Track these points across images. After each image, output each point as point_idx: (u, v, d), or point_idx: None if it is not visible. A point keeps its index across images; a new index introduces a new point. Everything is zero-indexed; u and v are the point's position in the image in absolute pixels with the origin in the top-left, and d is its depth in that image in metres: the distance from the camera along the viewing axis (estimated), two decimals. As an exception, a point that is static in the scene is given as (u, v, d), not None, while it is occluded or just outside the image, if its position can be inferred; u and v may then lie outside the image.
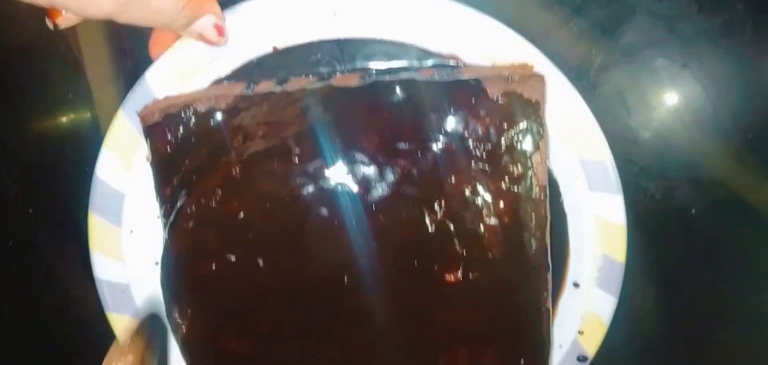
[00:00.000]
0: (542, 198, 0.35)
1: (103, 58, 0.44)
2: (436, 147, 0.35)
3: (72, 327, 0.47)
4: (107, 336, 0.42)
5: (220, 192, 0.35)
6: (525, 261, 0.36)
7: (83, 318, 0.44)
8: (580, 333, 0.42)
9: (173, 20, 0.32)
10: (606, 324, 0.42)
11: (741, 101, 0.43)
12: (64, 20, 0.32)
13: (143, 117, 0.36)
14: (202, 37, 0.35)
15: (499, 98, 0.35)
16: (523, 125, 0.35)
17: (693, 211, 0.44)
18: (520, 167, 0.35)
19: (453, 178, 0.35)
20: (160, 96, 0.37)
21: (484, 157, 0.35)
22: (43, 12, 0.32)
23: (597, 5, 0.41)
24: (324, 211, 0.35)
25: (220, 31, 0.35)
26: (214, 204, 0.35)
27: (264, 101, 0.36)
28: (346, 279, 0.36)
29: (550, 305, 0.37)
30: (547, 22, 0.41)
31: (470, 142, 0.35)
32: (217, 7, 0.35)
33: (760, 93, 0.43)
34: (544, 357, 0.38)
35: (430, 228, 0.35)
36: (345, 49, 0.38)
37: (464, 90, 0.35)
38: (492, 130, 0.35)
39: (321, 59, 0.38)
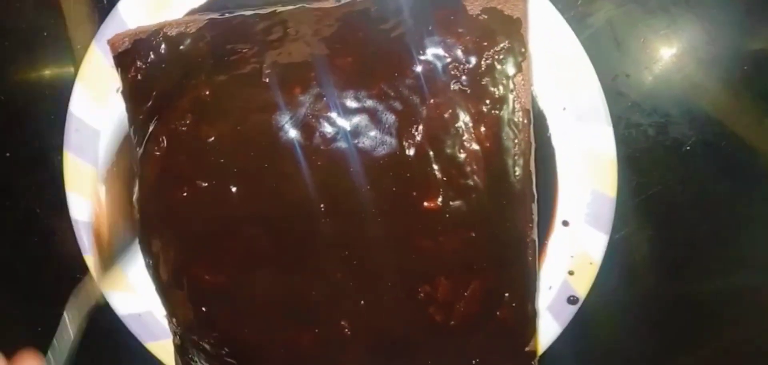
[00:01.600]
0: (526, 122, 0.34)
1: (80, 7, 0.43)
2: (415, 68, 0.34)
3: (52, 268, 0.46)
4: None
5: (190, 116, 0.34)
6: (508, 189, 0.35)
7: (63, 259, 0.43)
8: (570, 273, 0.41)
9: None
10: (597, 263, 0.41)
11: (738, 31, 0.42)
12: None
13: (113, 44, 0.35)
14: None
15: (479, 14, 0.33)
16: (504, 44, 0.33)
17: (687, 148, 0.43)
18: (501, 89, 0.34)
19: (432, 101, 0.34)
20: (134, 27, 0.36)
21: (464, 77, 0.34)
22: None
23: (585, -70, 0.39)
24: (298, 136, 0.34)
25: None
26: (184, 128, 0.34)
27: (235, 25, 0.35)
28: (322, 206, 0.35)
29: (535, 237, 0.36)
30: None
31: (449, 62, 0.34)
32: None
33: (757, 24, 0.42)
34: (530, 292, 0.37)
35: (409, 153, 0.34)
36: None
37: (443, 6, 0.33)
38: (472, 49, 0.33)
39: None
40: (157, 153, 0.35)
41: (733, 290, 0.46)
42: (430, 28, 0.33)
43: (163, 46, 0.35)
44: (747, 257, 0.45)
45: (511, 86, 0.33)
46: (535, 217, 0.36)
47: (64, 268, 0.43)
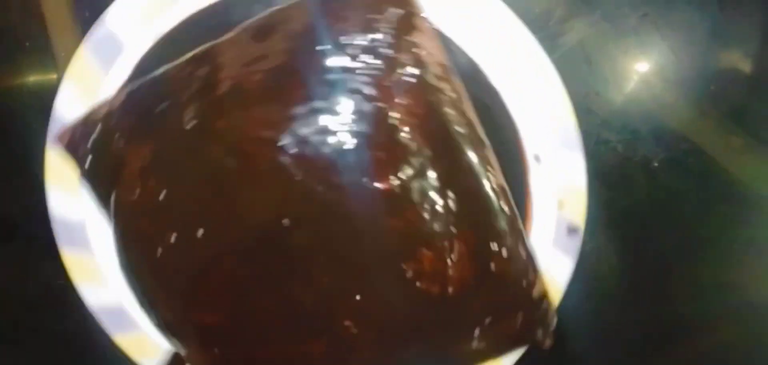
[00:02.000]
0: (445, 74, 0.35)
1: (61, 4, 0.43)
2: (332, 67, 0.35)
3: (33, 275, 0.46)
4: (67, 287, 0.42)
5: (138, 181, 0.36)
6: (453, 144, 0.35)
7: (44, 267, 0.44)
8: (560, 206, 0.41)
9: None
10: (583, 187, 0.41)
11: (703, 52, 0.43)
12: None
13: (61, 139, 0.38)
14: None
15: None
16: (395, 12, 0.34)
17: (655, 164, 0.44)
18: (408, 56, 0.34)
19: (358, 93, 0.35)
20: (122, 35, 0.37)
21: (370, 58, 0.35)
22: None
23: (557, -47, 0.40)
24: (244, 161, 0.35)
25: None
26: (136, 195, 0.36)
27: (161, 80, 0.37)
28: (285, 221, 0.36)
29: (502, 180, 0.37)
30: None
31: (356, 51, 0.35)
32: None
33: (723, 43, 0.43)
34: (516, 235, 0.37)
35: (351, 145, 0.35)
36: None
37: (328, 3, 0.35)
38: (369, 30, 0.34)
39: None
40: (123, 226, 0.36)
41: (700, 303, 0.47)
42: (329, 26, 0.35)
43: (99, 126, 0.37)
44: (713, 271, 0.46)
45: (418, 48, 0.34)
46: (495, 161, 0.36)
47: (44, 275, 0.44)
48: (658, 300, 0.47)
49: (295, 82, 0.35)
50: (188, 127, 0.35)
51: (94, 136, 0.37)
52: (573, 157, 0.40)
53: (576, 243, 0.41)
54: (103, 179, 0.38)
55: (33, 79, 0.45)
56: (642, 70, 0.43)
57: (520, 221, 0.38)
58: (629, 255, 0.46)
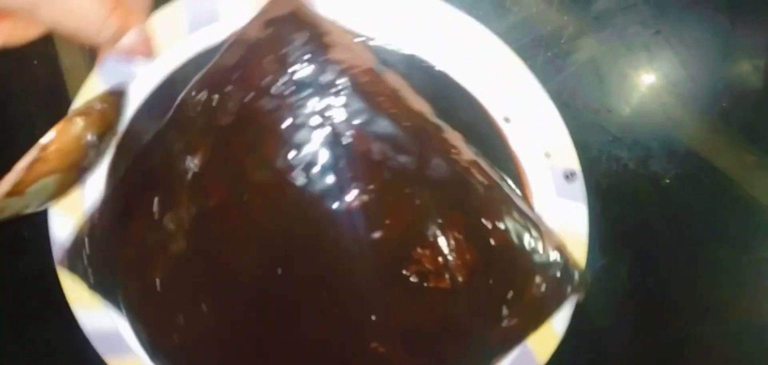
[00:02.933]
0: (376, 77, 0.35)
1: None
2: (266, 116, 0.36)
3: (37, 291, 0.46)
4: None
5: (135, 278, 0.38)
6: (404, 139, 0.35)
7: (50, 282, 0.44)
8: (548, 156, 0.40)
9: (98, 29, 0.32)
10: (565, 132, 0.39)
11: (715, 68, 0.43)
12: None
13: (61, 265, 0.40)
14: (130, 52, 0.34)
15: (265, 33, 0.35)
16: (300, 38, 0.35)
17: (667, 180, 0.44)
18: (332, 74, 0.35)
19: (300, 128, 0.36)
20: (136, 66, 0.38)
21: (299, 91, 0.36)
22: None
23: (568, -29, 0.40)
24: (217, 229, 0.37)
25: (148, 45, 0.35)
26: (137, 291, 0.38)
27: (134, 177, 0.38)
28: (279, 270, 0.36)
29: (470, 155, 0.36)
30: (519, -12, 0.41)
31: (279, 91, 0.36)
32: (143, 21, 0.34)
33: (734, 60, 0.43)
34: (509, 203, 0.37)
35: (313, 177, 0.36)
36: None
37: (229, 55, 0.36)
38: (285, 63, 0.35)
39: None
40: (133, 321, 0.39)
41: (713, 320, 0.47)
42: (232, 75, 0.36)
43: (87, 241, 0.39)
44: (724, 288, 0.46)
45: (338, 63, 0.35)
46: (458, 141, 0.36)
47: (49, 292, 0.44)
48: (669, 316, 0.46)
49: (242, 140, 0.36)
50: (162, 212, 0.37)
51: (86, 252, 0.39)
52: (544, 107, 0.39)
53: (579, 186, 0.40)
54: (106, 286, 0.39)
55: (39, 94, 0.45)
56: (654, 86, 0.43)
57: (505, 187, 0.38)
58: (641, 272, 0.46)
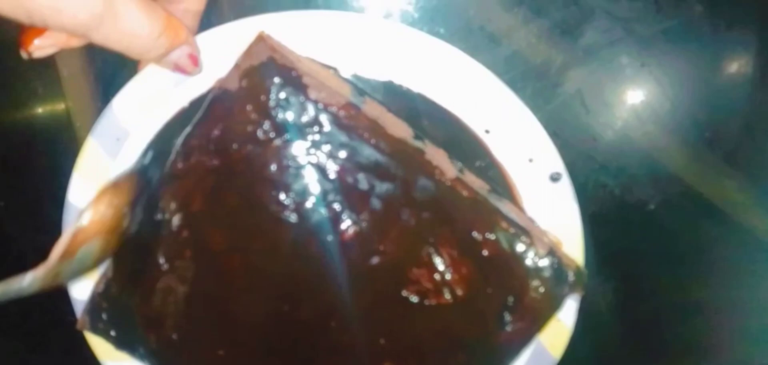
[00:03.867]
0: (353, 110, 0.37)
1: (73, 53, 0.44)
2: (251, 166, 0.39)
3: (43, 318, 0.47)
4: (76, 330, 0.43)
5: (152, 332, 0.40)
6: (386, 166, 0.37)
7: (55, 310, 0.45)
8: (532, 161, 0.40)
9: (149, 48, 0.32)
10: (544, 136, 0.40)
11: (698, 100, 0.44)
12: (38, 48, 0.32)
13: (82, 328, 0.41)
14: (177, 67, 0.36)
15: (241, 85, 0.37)
16: (276, 84, 0.36)
17: (651, 206, 0.45)
18: (312, 114, 0.37)
19: (287, 170, 0.38)
20: (127, 123, 0.39)
21: (281, 134, 0.38)
22: (16, 28, 0.32)
23: (556, 7, 0.42)
24: (221, 280, 0.40)
25: (195, 61, 0.36)
26: (157, 345, 0.40)
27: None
28: (285, 308, 0.39)
29: (453, 173, 0.38)
30: (507, 22, 0.42)
31: (266, 136, 0.38)
32: (192, 37, 0.36)
33: (717, 92, 0.44)
34: (490, 214, 0.38)
35: (306, 214, 0.38)
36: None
37: (211, 109, 0.38)
38: (260, 114, 0.37)
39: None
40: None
41: (698, 340, 0.48)
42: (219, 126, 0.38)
43: (104, 302, 0.40)
44: (708, 313, 0.47)
45: (315, 101, 0.37)
46: (438, 159, 0.38)
47: (56, 313, 0.45)
48: (654, 340, 0.48)
49: (233, 189, 0.38)
50: (169, 266, 0.39)
51: (104, 312, 0.41)
52: (522, 116, 0.39)
53: (566, 186, 0.40)
54: (128, 341, 0.41)
55: (45, 124, 0.46)
56: (639, 116, 0.44)
57: (492, 198, 0.39)
58: (626, 296, 0.47)
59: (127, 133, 0.40)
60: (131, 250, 0.39)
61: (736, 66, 0.44)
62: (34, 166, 0.46)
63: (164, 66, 0.36)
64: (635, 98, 0.44)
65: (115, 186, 0.37)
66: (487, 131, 0.40)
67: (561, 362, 0.43)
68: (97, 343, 0.43)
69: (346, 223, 0.38)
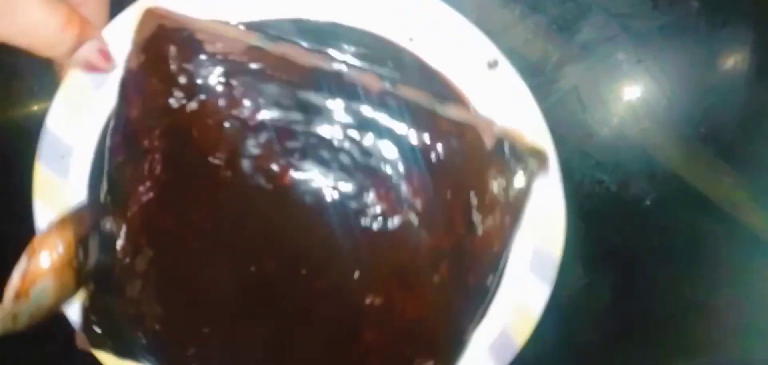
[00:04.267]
0: (258, 43, 0.37)
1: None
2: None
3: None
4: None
5: (151, 334, 0.39)
6: (304, 98, 0.37)
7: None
8: (463, 55, 0.39)
9: (53, 44, 0.31)
10: (468, 24, 0.38)
11: (694, 96, 0.44)
12: None
13: (82, 346, 0.40)
14: (89, 65, 0.34)
15: (140, 62, 0.37)
16: (173, 48, 0.36)
17: (647, 203, 0.45)
18: (210, 66, 0.36)
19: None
20: (67, 138, 0.39)
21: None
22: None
23: (553, 3, 0.42)
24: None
25: (106, 55, 0.34)
26: (161, 346, 0.39)
27: None
28: (252, 268, 0.38)
29: (379, 86, 0.37)
30: (504, 19, 0.42)
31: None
32: (99, 32, 0.34)
33: (713, 88, 0.44)
34: (424, 113, 0.37)
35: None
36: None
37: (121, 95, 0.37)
38: (166, 83, 0.37)
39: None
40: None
41: (694, 337, 0.48)
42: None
43: (94, 316, 0.39)
44: (706, 309, 0.48)
45: (218, 53, 0.36)
46: (364, 78, 0.37)
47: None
48: (650, 337, 0.48)
49: (165, 164, 0.37)
50: (131, 260, 0.38)
51: (96, 327, 0.40)
52: (444, 16, 0.38)
53: (506, 68, 0.39)
54: (126, 347, 0.40)
55: (38, 122, 0.46)
56: (635, 113, 0.44)
57: (424, 102, 0.37)
58: (622, 293, 0.47)
59: (70, 148, 0.39)
60: (99, 260, 0.38)
61: (733, 62, 0.44)
62: (29, 165, 0.46)
63: (76, 66, 0.34)
64: (631, 94, 0.44)
65: (61, 222, 0.37)
66: (411, 39, 0.39)
67: (558, 357, 0.44)
68: (104, 357, 0.42)
69: (280, 166, 0.37)
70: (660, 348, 0.48)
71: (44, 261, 0.35)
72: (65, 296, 0.38)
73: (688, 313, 0.48)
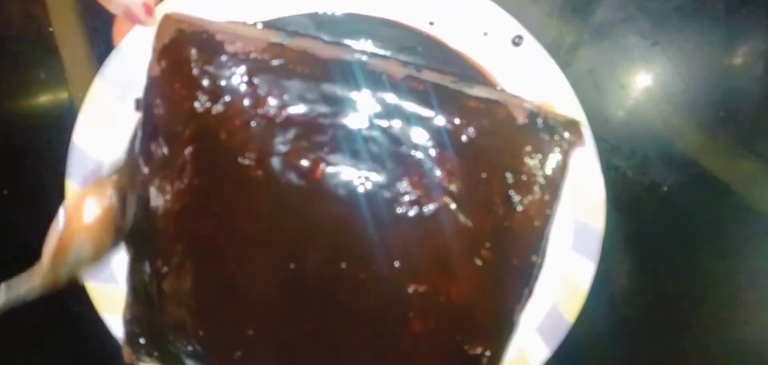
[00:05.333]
0: (278, 41, 0.36)
1: (75, 38, 0.44)
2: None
3: (50, 305, 0.47)
4: (86, 314, 0.43)
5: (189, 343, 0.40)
6: (329, 88, 0.37)
7: (63, 293, 0.44)
8: (486, 35, 0.39)
9: None
10: (488, 2, 0.39)
11: (712, 78, 0.43)
12: None
13: (129, 360, 0.41)
14: (128, 14, 0.35)
15: (162, 68, 0.36)
16: (194, 52, 0.36)
17: (665, 188, 0.44)
18: (232, 67, 0.37)
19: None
20: (93, 152, 0.40)
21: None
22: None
23: (568, -17, 0.41)
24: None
25: (148, 9, 0.35)
26: (190, 342, 0.39)
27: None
28: (291, 266, 0.38)
29: (403, 71, 0.37)
30: (517, 0, 0.41)
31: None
32: None
33: (730, 70, 0.43)
34: (452, 94, 0.37)
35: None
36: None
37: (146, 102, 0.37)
38: (190, 87, 0.37)
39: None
40: None
41: (711, 327, 0.47)
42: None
43: (137, 329, 0.41)
44: (721, 294, 0.47)
45: (239, 54, 0.36)
46: (387, 65, 0.37)
47: (62, 302, 0.44)
48: (668, 322, 0.47)
49: (195, 167, 0.37)
50: (167, 268, 0.38)
51: (140, 339, 0.40)
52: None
53: (531, 44, 0.39)
54: (171, 355, 0.40)
55: (47, 110, 0.46)
56: (651, 96, 0.43)
57: (449, 83, 0.37)
58: (640, 278, 0.46)
59: (100, 163, 0.40)
60: (135, 268, 0.39)
61: (751, 43, 0.43)
62: (37, 153, 0.45)
63: (116, 9, 0.35)
64: (648, 78, 0.43)
65: (98, 181, 0.37)
66: (431, 23, 0.39)
67: (578, 341, 0.43)
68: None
69: (310, 161, 0.37)
70: (677, 333, 0.48)
71: (82, 218, 0.35)
72: (102, 252, 0.38)
73: (705, 299, 0.47)
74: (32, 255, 0.47)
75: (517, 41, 0.38)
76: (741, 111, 0.44)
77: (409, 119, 0.37)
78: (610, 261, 0.45)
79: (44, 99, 0.46)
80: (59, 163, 0.41)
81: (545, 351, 0.43)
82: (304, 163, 0.37)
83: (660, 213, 0.45)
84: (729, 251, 0.46)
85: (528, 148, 0.37)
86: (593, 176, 0.40)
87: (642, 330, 0.47)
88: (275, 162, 0.37)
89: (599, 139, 0.43)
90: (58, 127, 0.44)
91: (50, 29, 0.44)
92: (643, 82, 0.43)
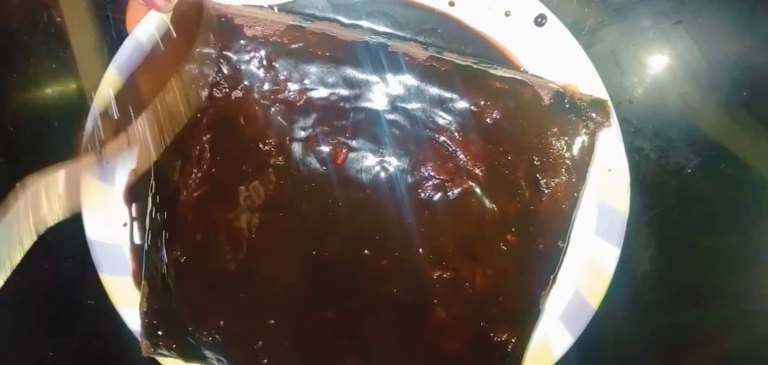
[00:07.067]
0: (296, 23, 0.36)
1: (86, 28, 0.43)
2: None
3: (65, 296, 0.46)
4: (100, 306, 0.42)
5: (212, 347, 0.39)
6: (352, 72, 0.36)
7: (76, 285, 0.44)
8: (508, 14, 0.39)
9: None
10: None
11: (736, 58, 0.43)
12: None
13: (148, 353, 0.41)
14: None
15: None
16: (213, 39, 0.36)
17: (688, 170, 0.44)
18: (252, 51, 0.36)
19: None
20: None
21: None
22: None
23: (589, -38, 0.40)
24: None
25: None
26: (212, 334, 0.39)
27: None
28: (313, 252, 0.38)
29: (425, 54, 0.37)
30: (539, -20, 0.40)
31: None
32: None
33: (755, 49, 0.43)
34: (477, 75, 0.37)
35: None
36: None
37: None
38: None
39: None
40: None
41: (733, 307, 0.47)
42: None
43: (156, 324, 0.40)
44: (746, 276, 0.46)
45: (257, 38, 0.36)
46: (408, 47, 0.37)
47: (75, 295, 0.43)
48: (691, 303, 0.46)
49: (213, 163, 0.37)
50: (186, 256, 0.38)
51: (159, 331, 0.40)
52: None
53: (555, 25, 0.38)
54: (191, 348, 0.40)
55: (58, 103, 0.45)
56: (674, 77, 0.42)
57: (473, 65, 0.37)
58: (664, 261, 0.46)
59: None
60: (152, 257, 0.38)
61: (775, 22, 0.42)
62: (48, 143, 0.45)
63: None
64: (670, 58, 0.42)
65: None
66: (451, 3, 0.38)
67: (600, 324, 0.42)
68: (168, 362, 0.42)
69: (331, 146, 0.36)
70: (701, 317, 0.47)
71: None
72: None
73: (729, 282, 0.46)
74: (43, 248, 0.46)
75: (540, 21, 0.38)
76: (765, 91, 0.43)
77: (433, 101, 0.36)
78: (633, 245, 0.45)
79: (54, 90, 0.45)
80: (70, 153, 0.40)
81: (569, 339, 0.42)
82: (325, 148, 0.36)
83: (683, 195, 0.44)
84: (753, 231, 0.45)
85: (554, 129, 0.36)
86: (617, 158, 0.39)
87: (663, 311, 0.47)
88: (296, 147, 0.36)
89: (622, 121, 0.42)
90: (69, 118, 0.43)
91: (60, 19, 0.43)
92: (666, 62, 0.42)
